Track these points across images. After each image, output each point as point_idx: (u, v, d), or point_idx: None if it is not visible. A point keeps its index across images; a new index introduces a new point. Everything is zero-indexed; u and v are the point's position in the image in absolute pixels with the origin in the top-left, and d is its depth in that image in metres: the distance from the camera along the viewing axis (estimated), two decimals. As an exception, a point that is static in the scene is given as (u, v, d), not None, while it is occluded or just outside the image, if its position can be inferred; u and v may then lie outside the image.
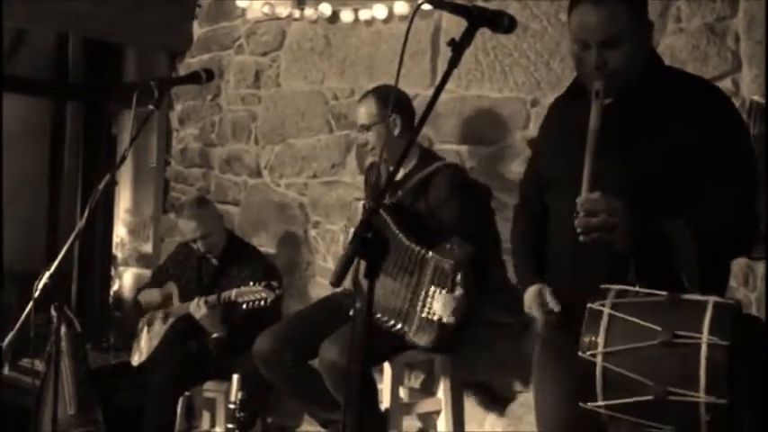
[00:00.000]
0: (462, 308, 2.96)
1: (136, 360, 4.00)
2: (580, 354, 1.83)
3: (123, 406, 3.95)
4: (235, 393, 2.84)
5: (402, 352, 3.25)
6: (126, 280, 5.87)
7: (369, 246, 1.66)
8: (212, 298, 3.60)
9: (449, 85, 1.82)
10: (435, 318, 2.97)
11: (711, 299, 1.78)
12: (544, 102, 3.27)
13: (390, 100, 3.21)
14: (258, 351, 3.30)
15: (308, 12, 4.14)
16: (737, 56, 2.94)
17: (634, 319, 1.79)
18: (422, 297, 3.01)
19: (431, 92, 1.93)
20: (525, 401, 3.36)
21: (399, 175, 3.18)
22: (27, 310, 2.42)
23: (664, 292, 1.82)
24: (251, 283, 3.44)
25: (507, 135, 3.48)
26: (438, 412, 3.42)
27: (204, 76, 2.79)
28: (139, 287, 4.40)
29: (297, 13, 4.18)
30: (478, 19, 1.82)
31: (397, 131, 3.26)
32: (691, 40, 3.02)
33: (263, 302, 3.40)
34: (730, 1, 2.95)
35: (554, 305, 2.09)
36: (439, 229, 3.10)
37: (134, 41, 5.19)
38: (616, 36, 1.98)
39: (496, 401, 3.50)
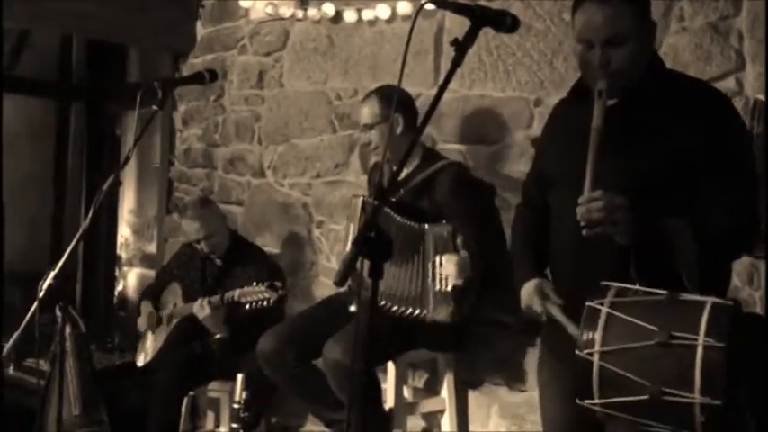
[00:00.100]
0: (469, 270, 2.98)
1: (141, 360, 4.00)
2: (577, 352, 1.84)
3: (128, 406, 3.96)
4: (239, 393, 2.85)
5: (406, 351, 3.26)
6: (130, 280, 5.88)
7: (372, 245, 1.67)
8: (215, 298, 3.60)
9: (452, 85, 1.82)
10: (449, 287, 2.98)
11: (710, 299, 1.78)
12: (547, 101, 3.27)
13: (393, 100, 3.22)
14: (262, 351, 3.30)
15: (312, 12, 4.14)
16: (741, 54, 2.93)
17: (632, 319, 1.80)
18: (431, 270, 3.02)
19: (434, 91, 1.94)
20: (529, 401, 3.35)
21: (402, 175, 3.18)
22: (32, 310, 2.42)
23: (663, 291, 1.82)
24: (254, 284, 3.44)
25: (510, 135, 3.48)
26: (442, 411, 3.42)
27: (207, 77, 2.80)
28: (144, 288, 4.41)
29: (300, 14, 4.18)
30: (481, 18, 1.82)
31: (399, 131, 3.27)
32: (694, 39, 3.02)
33: (266, 303, 3.40)
34: (733, 0, 2.95)
35: (555, 300, 2.10)
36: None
37: (137, 42, 5.21)
38: (620, 35, 1.99)
39: (500, 401, 3.50)
